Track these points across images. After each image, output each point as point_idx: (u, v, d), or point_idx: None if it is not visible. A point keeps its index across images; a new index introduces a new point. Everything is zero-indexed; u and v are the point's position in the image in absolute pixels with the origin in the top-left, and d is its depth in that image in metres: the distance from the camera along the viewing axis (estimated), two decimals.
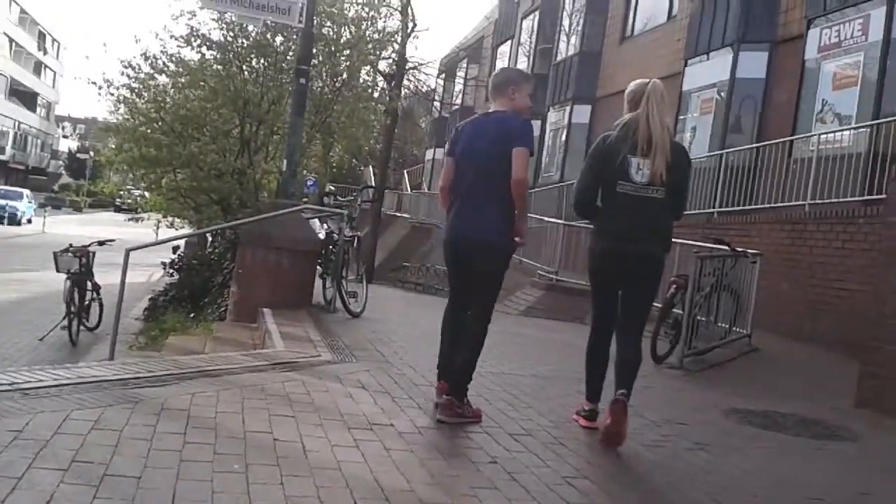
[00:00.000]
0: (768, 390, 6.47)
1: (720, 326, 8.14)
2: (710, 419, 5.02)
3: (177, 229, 18.31)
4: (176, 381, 4.32)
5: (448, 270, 4.56)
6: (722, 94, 14.44)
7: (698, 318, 7.60)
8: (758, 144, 12.55)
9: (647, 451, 4.05)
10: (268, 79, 13.71)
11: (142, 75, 14.60)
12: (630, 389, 4.02)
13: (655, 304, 8.03)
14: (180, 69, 14.49)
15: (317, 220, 9.02)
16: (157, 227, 19.60)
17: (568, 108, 20.70)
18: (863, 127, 10.62)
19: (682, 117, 15.53)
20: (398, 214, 27.21)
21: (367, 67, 16.95)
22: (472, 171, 4.21)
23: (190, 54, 14.51)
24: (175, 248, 13.28)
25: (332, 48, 14.36)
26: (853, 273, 9.10)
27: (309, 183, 21.98)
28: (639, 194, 4.13)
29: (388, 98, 18.92)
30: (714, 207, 12.38)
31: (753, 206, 11.44)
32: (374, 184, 25.14)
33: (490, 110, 4.42)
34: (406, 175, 32.93)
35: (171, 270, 13.12)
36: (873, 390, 5.91)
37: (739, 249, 8.18)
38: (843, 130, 10.92)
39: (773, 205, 11.03)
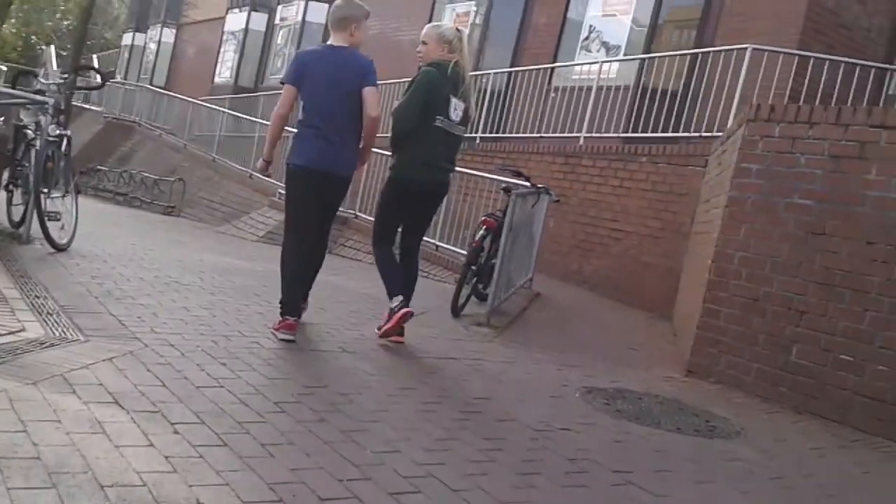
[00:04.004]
0: (590, 355, 5.62)
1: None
2: (579, 413, 3.94)
3: None
4: None
5: (300, 201, 4.46)
6: (480, 8, 13.46)
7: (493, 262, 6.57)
8: (516, 69, 11.72)
9: (581, 496, 2.82)
10: None
11: None
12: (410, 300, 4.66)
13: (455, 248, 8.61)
14: None
15: None
16: None
17: (302, 5, 18.56)
18: (629, 60, 10.20)
19: None
20: (86, 106, 23.15)
21: None
22: (327, 106, 4.34)
23: None
24: None
25: None
26: (630, 214, 8.67)
27: None
28: (451, 131, 4.62)
29: None
30: (476, 132, 11.43)
31: (523, 135, 10.65)
32: (54, 66, 20.98)
33: (331, 44, 4.48)
34: (96, 60, 28.21)
35: None
36: (711, 357, 5.28)
37: (541, 185, 7.22)
38: (610, 62, 10.40)
39: (542, 135, 10.30)
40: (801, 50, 8.13)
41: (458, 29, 4.70)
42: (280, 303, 4.37)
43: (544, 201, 7.38)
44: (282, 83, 4.60)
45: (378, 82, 4.40)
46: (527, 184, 6.85)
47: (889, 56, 9.27)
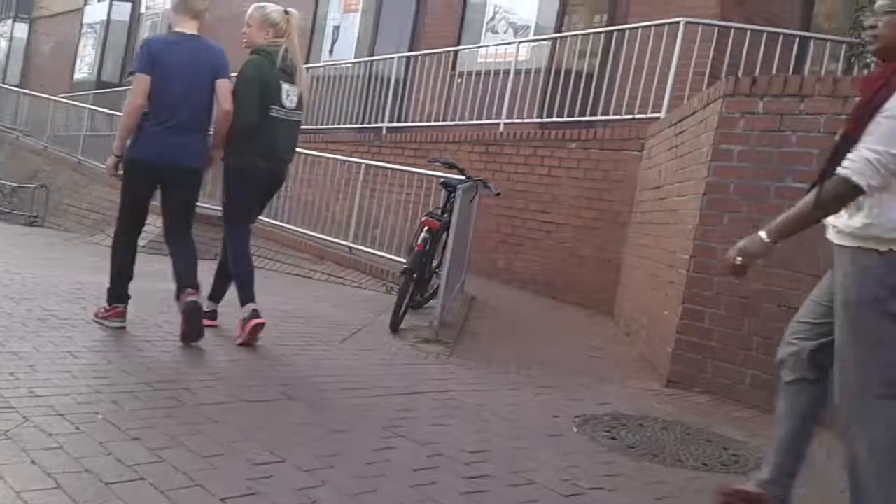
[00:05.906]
0: (556, 369, 4.92)
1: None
2: (592, 457, 3.20)
3: None
4: None
5: (136, 196, 4.36)
6: None
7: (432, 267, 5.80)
8: (420, 52, 10.88)
9: None
10: None
11: None
12: None
13: (392, 256, 7.65)
14: None
15: None
16: None
17: None
18: (537, 41, 9.58)
19: (325, 16, 13.36)
20: None
21: None
22: (179, 96, 4.17)
23: None
24: None
25: None
26: (561, 204, 8.04)
27: None
28: (288, 118, 4.42)
29: None
30: (382, 122, 10.55)
31: (433, 123, 9.85)
32: None
33: (182, 31, 4.31)
34: None
35: None
36: (695, 365, 4.67)
37: (478, 178, 6.44)
38: (532, 41, 9.71)
39: (456, 122, 9.53)
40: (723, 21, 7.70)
41: (286, 11, 4.46)
42: (108, 291, 4.39)
43: (477, 196, 6.61)
44: (131, 73, 4.50)
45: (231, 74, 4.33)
46: (462, 177, 6.07)
47: (804, 25, 9.00)
